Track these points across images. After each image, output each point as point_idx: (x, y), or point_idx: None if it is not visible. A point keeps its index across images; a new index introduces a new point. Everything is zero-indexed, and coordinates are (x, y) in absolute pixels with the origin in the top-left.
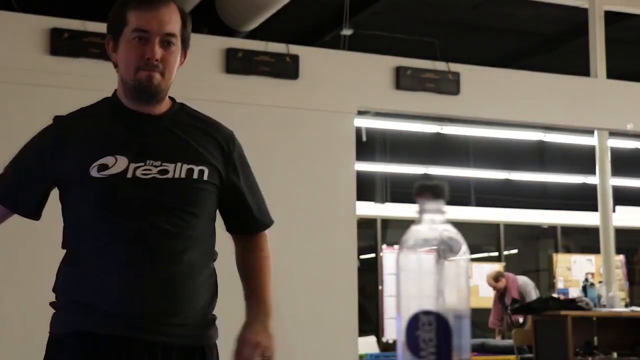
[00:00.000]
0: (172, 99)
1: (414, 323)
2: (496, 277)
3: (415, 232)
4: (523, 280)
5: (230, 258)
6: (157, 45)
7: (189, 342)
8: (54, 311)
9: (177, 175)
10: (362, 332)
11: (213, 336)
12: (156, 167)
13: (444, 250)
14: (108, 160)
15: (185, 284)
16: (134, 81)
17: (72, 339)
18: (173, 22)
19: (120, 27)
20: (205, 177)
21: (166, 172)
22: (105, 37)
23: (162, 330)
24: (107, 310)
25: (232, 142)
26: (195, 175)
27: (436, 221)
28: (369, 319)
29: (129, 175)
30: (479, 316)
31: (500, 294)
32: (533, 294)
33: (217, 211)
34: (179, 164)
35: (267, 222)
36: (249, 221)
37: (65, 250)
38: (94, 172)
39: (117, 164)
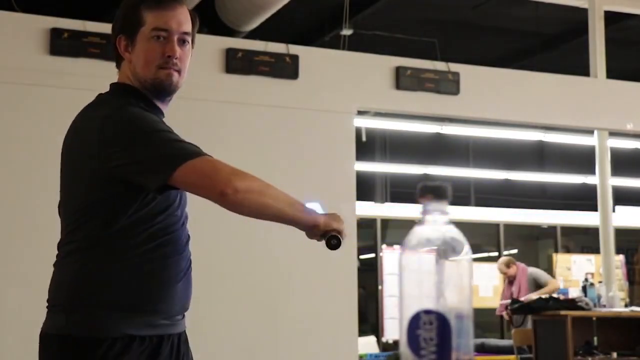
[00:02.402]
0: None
1: (415, 322)
2: (508, 264)
3: (418, 233)
4: (534, 269)
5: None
6: (176, 44)
7: (184, 328)
8: (96, 311)
9: None
10: (362, 332)
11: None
12: None
13: (447, 250)
14: None
15: (189, 277)
16: (155, 79)
17: (133, 340)
18: (187, 22)
19: (136, 26)
20: None
21: None
22: (105, 36)
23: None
24: (157, 307)
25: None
26: None
27: (439, 222)
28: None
29: None
30: (479, 316)
31: (510, 281)
32: (545, 275)
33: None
34: None
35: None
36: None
37: (95, 245)
38: None
39: None
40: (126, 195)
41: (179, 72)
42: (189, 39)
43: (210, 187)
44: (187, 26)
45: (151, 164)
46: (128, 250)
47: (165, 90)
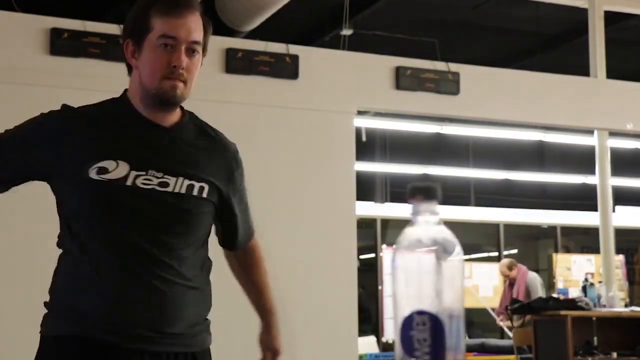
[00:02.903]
0: (181, 107)
1: (409, 323)
2: (510, 266)
3: (409, 234)
4: (533, 276)
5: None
6: (184, 54)
7: (180, 349)
8: (46, 311)
9: (177, 190)
10: (362, 332)
11: (205, 341)
12: (157, 178)
13: (438, 251)
14: (109, 164)
15: (174, 296)
16: (158, 89)
17: (64, 341)
18: (198, 30)
19: (144, 31)
20: (205, 194)
21: (167, 184)
22: (105, 36)
23: (152, 339)
24: (98, 316)
25: (235, 161)
26: (195, 192)
27: (430, 222)
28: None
29: (129, 182)
30: (479, 316)
31: (511, 283)
32: (539, 291)
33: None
34: (180, 179)
35: (247, 238)
36: (234, 240)
37: (60, 250)
38: (92, 174)
39: (118, 169)
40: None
41: (185, 82)
42: (199, 48)
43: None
44: (197, 35)
45: None
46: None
47: (168, 101)
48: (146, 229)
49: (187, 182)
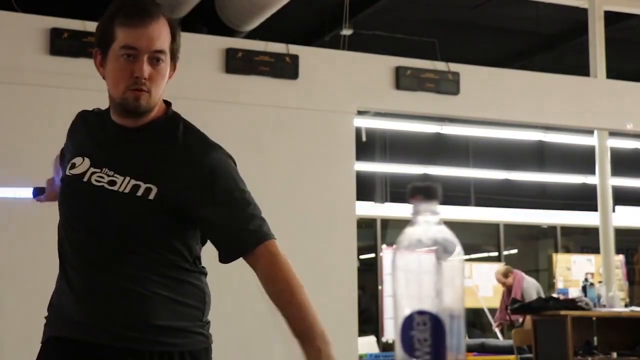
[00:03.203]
0: (167, 105)
1: (409, 323)
2: (506, 273)
3: (409, 234)
4: (529, 282)
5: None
6: (146, 63)
7: (138, 347)
8: None
9: (122, 189)
10: (362, 332)
11: (176, 344)
12: (109, 176)
13: (439, 250)
14: (78, 160)
15: (125, 294)
16: (122, 99)
17: (47, 344)
18: (162, 39)
19: (109, 41)
20: (152, 196)
21: (114, 183)
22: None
23: (110, 336)
24: (67, 316)
25: (210, 173)
26: (139, 192)
27: (430, 222)
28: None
29: (85, 178)
30: (479, 316)
31: (509, 290)
32: (534, 296)
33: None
34: (127, 178)
35: (239, 251)
36: (220, 252)
37: None
38: (67, 170)
39: (82, 164)
40: None
41: (149, 92)
42: (163, 56)
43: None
44: (160, 43)
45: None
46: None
47: (132, 111)
48: (94, 225)
49: (133, 182)
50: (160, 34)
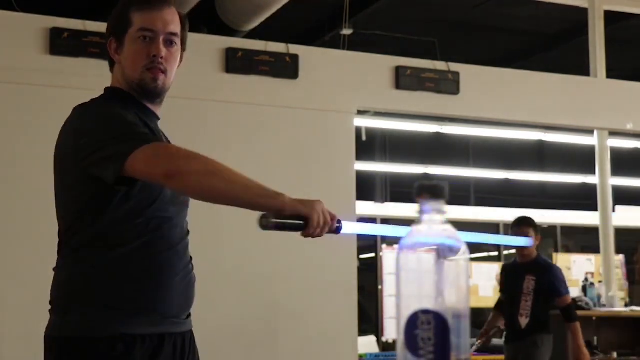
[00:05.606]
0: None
1: (413, 322)
2: None
3: (415, 232)
4: None
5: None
6: (162, 44)
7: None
8: (102, 311)
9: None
10: (362, 332)
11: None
12: None
13: (444, 250)
14: None
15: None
16: (140, 80)
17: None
18: (175, 22)
19: (125, 28)
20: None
21: None
22: (104, 36)
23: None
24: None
25: (70, 130)
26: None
27: (436, 221)
28: (369, 318)
29: None
30: (479, 316)
31: None
32: None
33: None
34: None
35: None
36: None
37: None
38: None
39: None
40: (105, 193)
41: (165, 72)
42: (177, 40)
43: (155, 169)
44: (174, 27)
45: (105, 157)
46: (116, 248)
47: (151, 92)
48: (169, 214)
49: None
50: (174, 18)
